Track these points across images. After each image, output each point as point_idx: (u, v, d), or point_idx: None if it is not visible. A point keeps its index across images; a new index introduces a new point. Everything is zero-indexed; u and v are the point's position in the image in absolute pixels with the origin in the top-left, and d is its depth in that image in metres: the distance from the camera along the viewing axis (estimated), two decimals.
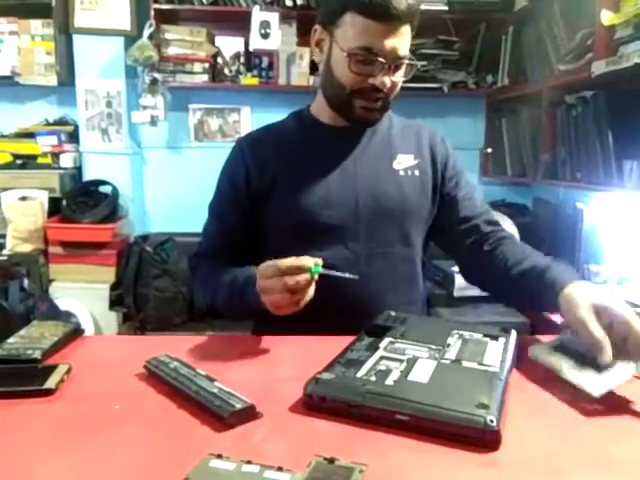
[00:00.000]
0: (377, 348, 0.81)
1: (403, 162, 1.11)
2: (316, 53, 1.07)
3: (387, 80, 0.99)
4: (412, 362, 0.76)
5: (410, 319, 0.95)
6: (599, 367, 0.73)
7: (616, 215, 2.26)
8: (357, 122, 1.08)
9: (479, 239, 1.10)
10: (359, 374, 0.72)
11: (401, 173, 1.10)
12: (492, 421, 0.61)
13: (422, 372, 0.73)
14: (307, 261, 0.85)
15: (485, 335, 0.88)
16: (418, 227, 1.12)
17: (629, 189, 1.82)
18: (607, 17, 1.81)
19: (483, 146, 3.12)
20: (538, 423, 0.68)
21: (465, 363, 0.77)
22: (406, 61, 1.01)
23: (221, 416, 0.65)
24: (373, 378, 0.71)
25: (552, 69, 2.31)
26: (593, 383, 0.72)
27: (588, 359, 0.75)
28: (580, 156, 2.13)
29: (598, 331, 0.73)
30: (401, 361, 0.76)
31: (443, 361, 0.77)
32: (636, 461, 0.59)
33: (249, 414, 0.67)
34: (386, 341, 0.84)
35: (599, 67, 1.85)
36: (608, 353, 0.72)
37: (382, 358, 0.77)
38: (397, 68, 1.01)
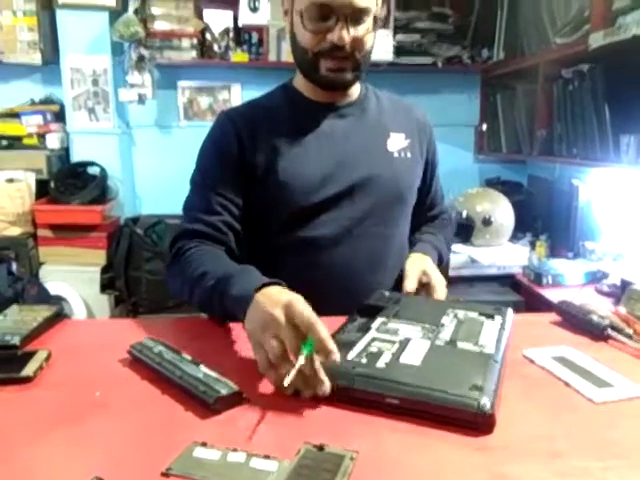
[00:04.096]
0: (369, 329, 0.78)
1: (397, 142, 1.09)
2: (285, 21, 1.03)
3: (345, 34, 0.93)
4: (404, 343, 0.73)
5: (404, 299, 0.92)
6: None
7: (612, 191, 2.23)
8: (326, 86, 1.02)
9: (422, 223, 1.21)
10: (350, 356, 0.69)
11: (395, 155, 1.08)
12: (486, 404, 0.59)
13: (415, 354, 0.70)
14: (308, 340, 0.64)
15: (481, 314, 0.86)
16: (407, 210, 1.13)
17: (626, 164, 1.79)
18: None
19: (478, 123, 3.07)
20: (535, 405, 0.65)
21: (460, 344, 0.74)
22: (371, 14, 0.95)
23: (206, 402, 0.63)
24: (364, 360, 0.68)
25: (548, 42, 2.25)
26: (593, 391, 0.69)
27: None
28: (576, 131, 2.09)
29: (411, 284, 1.00)
30: (393, 342, 0.74)
31: (437, 342, 0.74)
32: (636, 444, 0.57)
33: (235, 400, 0.64)
34: (379, 321, 0.81)
35: (597, 39, 1.80)
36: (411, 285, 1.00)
37: (374, 339, 0.75)
38: (357, 21, 0.94)
